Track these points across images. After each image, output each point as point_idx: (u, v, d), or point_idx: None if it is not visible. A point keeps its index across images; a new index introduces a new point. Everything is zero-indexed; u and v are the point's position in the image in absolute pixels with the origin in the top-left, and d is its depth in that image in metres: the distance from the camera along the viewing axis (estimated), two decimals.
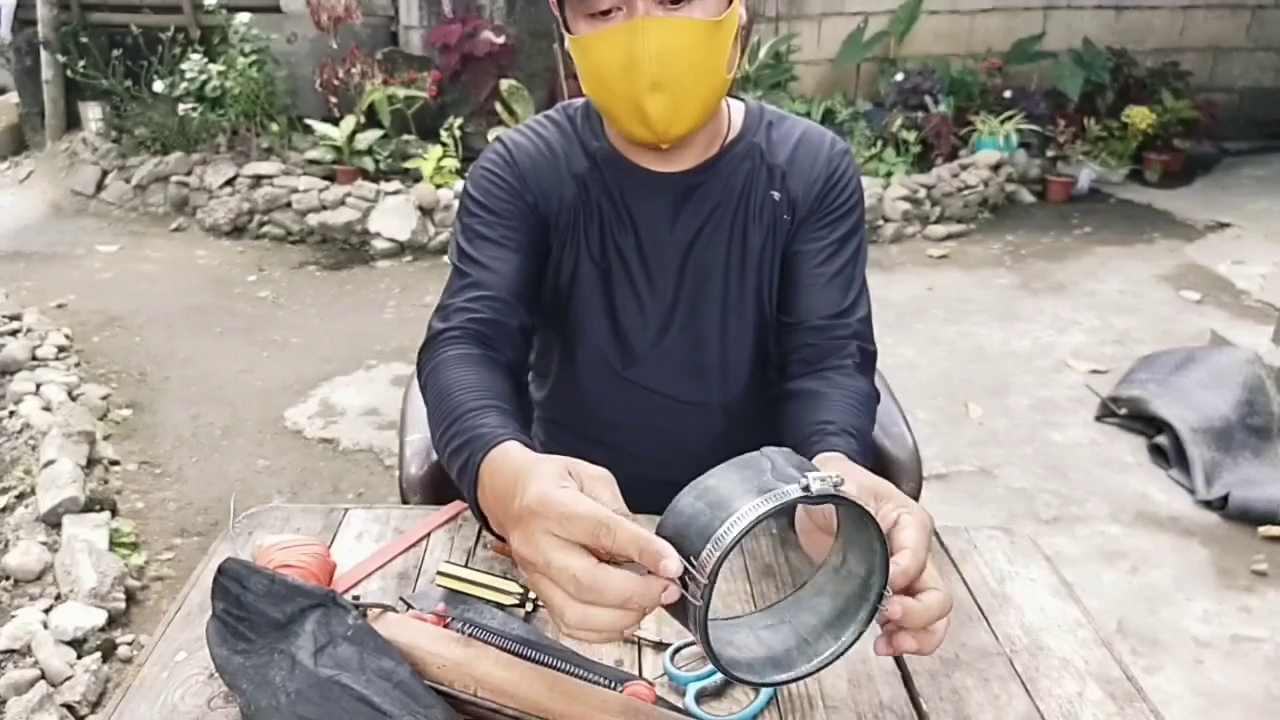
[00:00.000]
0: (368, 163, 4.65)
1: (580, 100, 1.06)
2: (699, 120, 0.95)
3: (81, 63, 5.12)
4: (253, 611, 0.69)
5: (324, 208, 4.62)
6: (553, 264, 1.05)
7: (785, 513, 0.63)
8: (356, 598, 0.72)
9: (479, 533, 0.90)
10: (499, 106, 4.72)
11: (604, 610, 0.57)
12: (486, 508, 0.75)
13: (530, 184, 1.01)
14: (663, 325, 1.05)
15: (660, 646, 0.76)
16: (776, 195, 1.03)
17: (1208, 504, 2.41)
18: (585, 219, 1.03)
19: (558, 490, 0.60)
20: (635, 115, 0.91)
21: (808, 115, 5.01)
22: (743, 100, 1.07)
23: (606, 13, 0.88)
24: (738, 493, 0.56)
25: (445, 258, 1.06)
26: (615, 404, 1.09)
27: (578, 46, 0.92)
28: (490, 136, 4.41)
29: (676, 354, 1.06)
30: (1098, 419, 2.88)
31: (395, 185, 4.61)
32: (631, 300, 1.04)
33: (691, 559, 0.55)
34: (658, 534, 0.57)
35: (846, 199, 1.04)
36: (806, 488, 0.56)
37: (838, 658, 0.62)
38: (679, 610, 0.58)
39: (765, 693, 0.70)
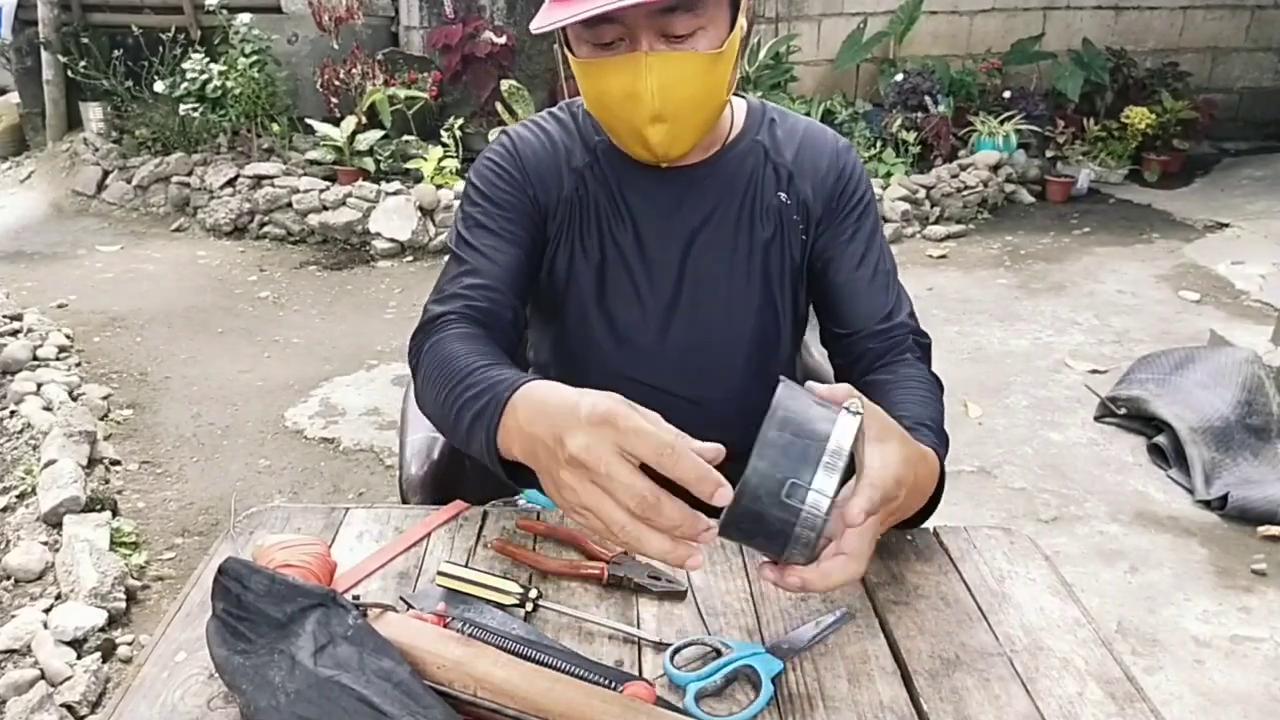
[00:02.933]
0: (368, 163, 4.65)
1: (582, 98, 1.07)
2: (699, 139, 0.96)
3: (82, 63, 5.12)
4: (253, 611, 0.69)
5: (325, 208, 4.63)
6: (548, 258, 1.05)
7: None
8: (357, 597, 0.72)
9: (479, 533, 0.91)
10: (499, 107, 4.72)
11: (653, 534, 0.62)
12: (512, 438, 0.73)
13: (531, 177, 1.02)
14: (663, 321, 1.05)
15: (660, 646, 0.76)
16: (784, 196, 1.03)
17: (1207, 504, 2.41)
18: (581, 214, 1.03)
19: (626, 407, 0.64)
20: (636, 140, 0.93)
21: (807, 115, 5.00)
22: (744, 98, 1.07)
23: (609, 43, 0.89)
24: (814, 418, 0.63)
25: (446, 257, 1.07)
26: None
27: (580, 68, 0.93)
28: (491, 137, 4.41)
29: (677, 350, 1.06)
30: (1097, 419, 2.88)
31: (396, 186, 4.61)
32: (630, 295, 1.04)
33: (794, 481, 0.61)
34: (751, 468, 0.62)
35: (861, 196, 1.06)
36: (857, 411, 0.65)
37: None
38: (748, 531, 0.64)
39: (765, 693, 0.70)
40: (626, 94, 0.89)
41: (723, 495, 0.60)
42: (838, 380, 1.08)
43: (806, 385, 0.68)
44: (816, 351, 1.28)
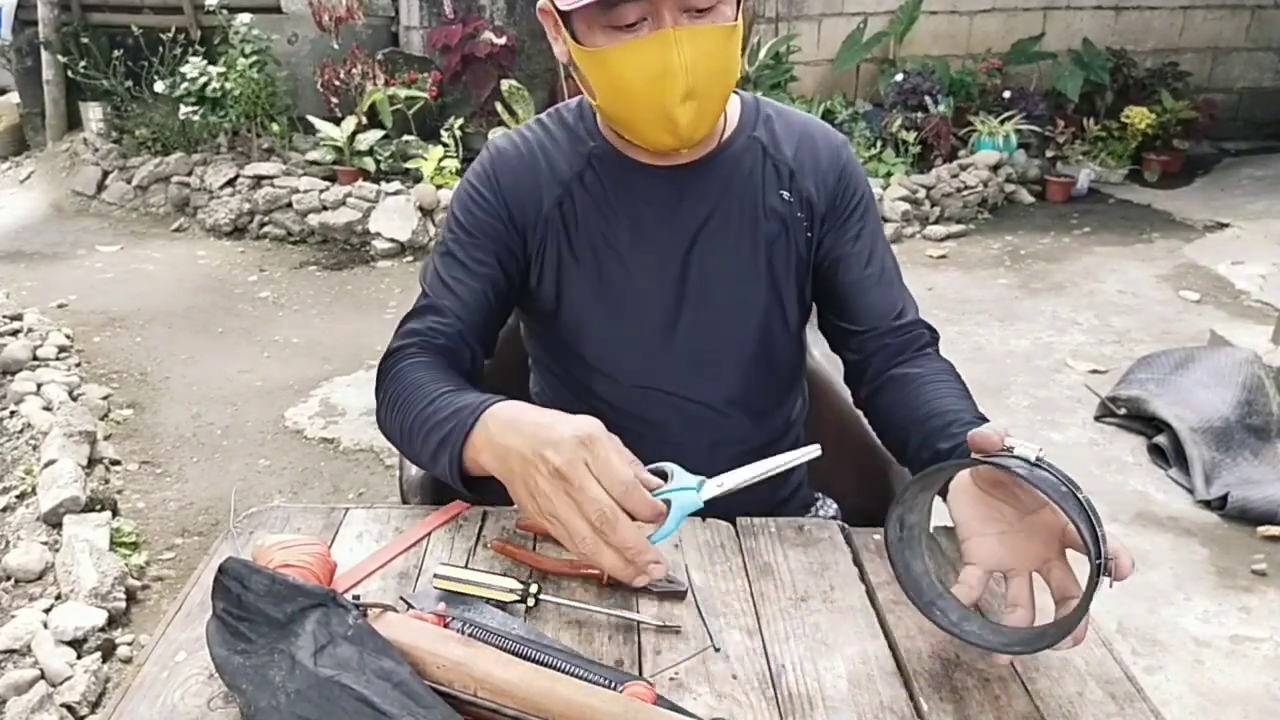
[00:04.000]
0: (368, 163, 4.65)
1: (573, 101, 1.06)
2: (715, 122, 0.96)
3: (82, 63, 5.12)
4: (253, 611, 0.69)
5: (325, 208, 4.63)
6: (534, 274, 1.04)
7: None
8: (357, 597, 0.72)
9: (479, 533, 0.91)
10: (499, 107, 4.72)
11: (608, 549, 0.69)
12: (481, 450, 0.80)
13: (508, 197, 1.02)
14: (667, 322, 1.04)
15: (664, 629, 0.77)
16: (786, 194, 1.03)
17: (1207, 504, 2.41)
18: (569, 224, 1.02)
19: (608, 435, 0.72)
20: (663, 125, 0.91)
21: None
22: (736, 93, 1.07)
23: (630, 24, 0.87)
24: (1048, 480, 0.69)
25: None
26: (619, 404, 1.08)
27: (595, 59, 0.90)
28: (490, 137, 4.41)
29: (682, 351, 1.05)
30: (1097, 419, 2.88)
31: (396, 186, 4.61)
32: (633, 299, 1.04)
33: (1099, 542, 0.67)
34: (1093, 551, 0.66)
35: (862, 194, 1.07)
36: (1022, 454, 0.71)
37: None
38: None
39: (674, 517, 0.73)
40: (657, 74, 0.87)
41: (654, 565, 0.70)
42: (851, 375, 1.10)
43: (975, 438, 0.74)
44: (818, 353, 1.27)
